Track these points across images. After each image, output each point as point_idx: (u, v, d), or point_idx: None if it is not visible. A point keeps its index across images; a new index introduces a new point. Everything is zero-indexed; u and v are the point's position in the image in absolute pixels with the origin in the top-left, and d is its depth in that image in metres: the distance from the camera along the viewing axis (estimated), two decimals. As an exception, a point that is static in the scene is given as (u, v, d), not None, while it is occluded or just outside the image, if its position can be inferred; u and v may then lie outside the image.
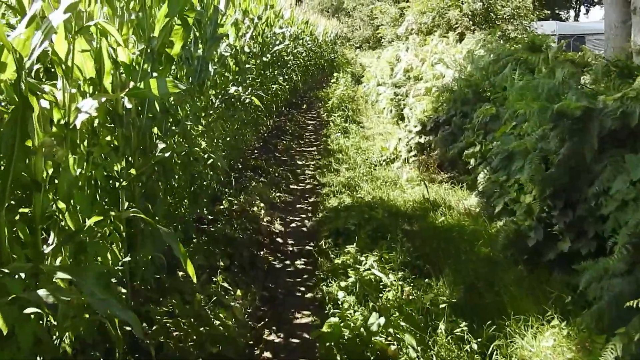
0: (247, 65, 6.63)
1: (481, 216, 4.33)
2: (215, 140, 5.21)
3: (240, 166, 6.35)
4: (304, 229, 4.64)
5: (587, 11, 35.06)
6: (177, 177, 4.08)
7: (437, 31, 12.96)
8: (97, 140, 2.37)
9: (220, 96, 5.33)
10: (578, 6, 32.74)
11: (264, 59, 7.72)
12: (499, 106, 5.66)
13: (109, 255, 2.52)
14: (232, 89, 5.46)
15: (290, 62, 10.69)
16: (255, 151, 7.43)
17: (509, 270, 3.25)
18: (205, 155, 4.97)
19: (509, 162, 4.09)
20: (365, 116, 10.99)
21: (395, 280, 3.15)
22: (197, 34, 4.47)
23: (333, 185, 5.74)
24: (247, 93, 6.21)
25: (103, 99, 2.16)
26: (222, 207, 4.80)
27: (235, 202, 4.86)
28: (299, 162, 7.19)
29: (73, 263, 2.24)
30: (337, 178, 6.03)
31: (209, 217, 4.59)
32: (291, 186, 6.03)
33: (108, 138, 2.59)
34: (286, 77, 10.17)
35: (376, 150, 7.69)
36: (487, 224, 4.10)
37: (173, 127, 3.96)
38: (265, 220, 4.70)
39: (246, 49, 6.74)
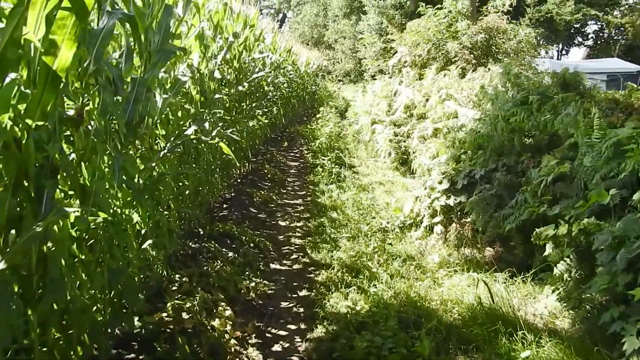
0: (217, 96, 4.97)
1: (591, 347, 2.64)
2: (159, 205, 3.45)
3: (201, 231, 4.58)
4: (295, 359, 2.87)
5: (567, 52, 35.37)
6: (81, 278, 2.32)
7: (434, 64, 11.68)
8: None
9: (173, 138, 3.60)
10: (561, 46, 32.74)
11: (240, 87, 6.08)
12: (562, 159, 4.14)
13: None
14: (191, 129, 3.71)
15: (270, 93, 9.08)
16: (225, 205, 5.67)
17: None
18: (144, 232, 3.24)
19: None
20: (358, 158, 9.38)
21: None
22: (133, 42, 2.80)
23: (332, 266, 4.03)
24: (214, 133, 4.49)
25: None
26: (164, 314, 3.01)
27: (187, 306, 3.08)
28: (282, 223, 5.45)
29: None
30: (336, 253, 4.31)
31: (139, 336, 2.81)
32: (272, 265, 4.27)
33: None
34: (266, 110, 8.52)
35: (380, 206, 6.04)
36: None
37: (71, 192, 2.27)
38: (232, 341, 2.93)
39: (217, 75, 5.09)
